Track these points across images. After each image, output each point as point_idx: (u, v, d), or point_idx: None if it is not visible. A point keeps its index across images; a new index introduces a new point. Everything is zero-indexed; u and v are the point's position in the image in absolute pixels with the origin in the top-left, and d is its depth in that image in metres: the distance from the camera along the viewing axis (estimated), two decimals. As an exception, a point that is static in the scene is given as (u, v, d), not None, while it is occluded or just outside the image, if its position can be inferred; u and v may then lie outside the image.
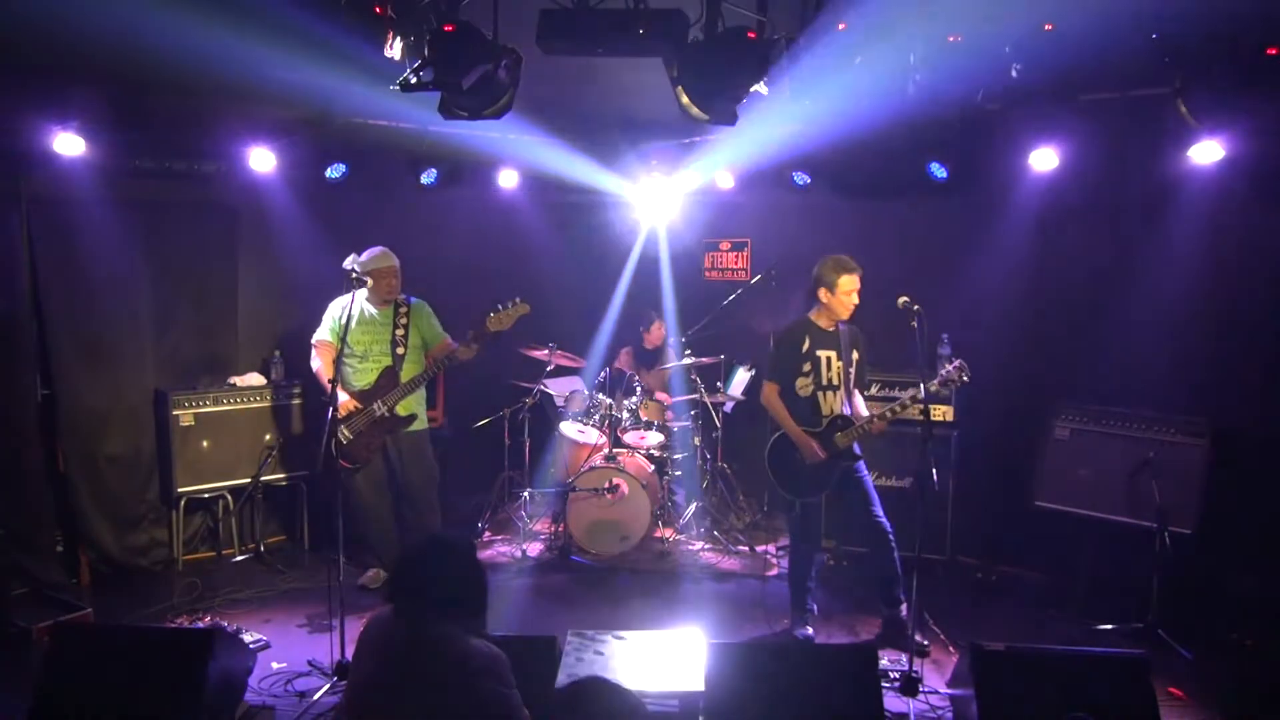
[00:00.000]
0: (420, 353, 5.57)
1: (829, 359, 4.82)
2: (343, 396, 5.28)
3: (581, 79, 5.62)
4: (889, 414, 4.72)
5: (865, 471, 4.92)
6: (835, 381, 4.82)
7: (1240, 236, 5.27)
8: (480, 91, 4.05)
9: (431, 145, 6.35)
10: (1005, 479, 5.85)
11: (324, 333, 5.54)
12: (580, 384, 7.04)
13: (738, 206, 7.51)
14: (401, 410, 5.39)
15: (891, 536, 4.79)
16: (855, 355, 4.88)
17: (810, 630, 4.99)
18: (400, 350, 5.44)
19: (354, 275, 5.00)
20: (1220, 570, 5.09)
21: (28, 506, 5.39)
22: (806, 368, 4.81)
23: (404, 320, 5.48)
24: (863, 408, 4.92)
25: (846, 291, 4.75)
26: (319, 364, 5.50)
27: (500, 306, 5.31)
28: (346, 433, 5.29)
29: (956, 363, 4.64)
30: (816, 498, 4.88)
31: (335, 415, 4.64)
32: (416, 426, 5.52)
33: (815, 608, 5.10)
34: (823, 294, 4.80)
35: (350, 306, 4.86)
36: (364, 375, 5.42)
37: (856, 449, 4.86)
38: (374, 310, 5.47)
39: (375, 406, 5.33)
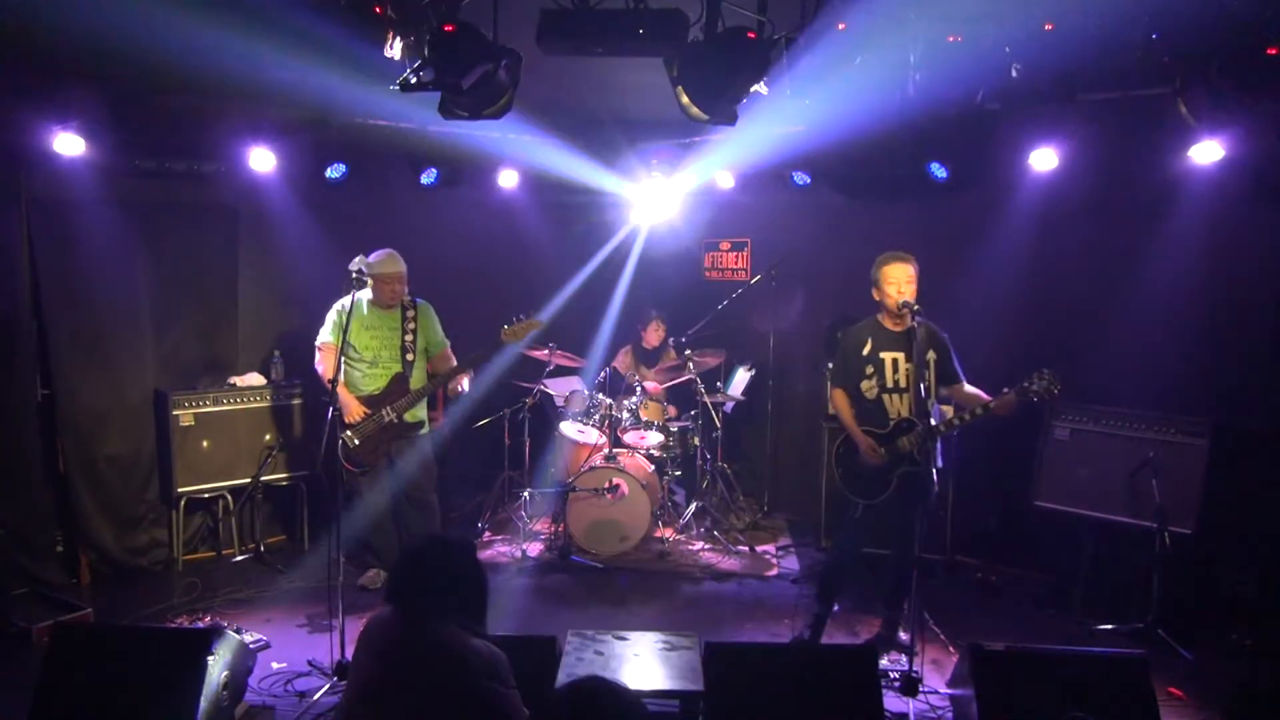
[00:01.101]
0: (425, 357, 5.54)
1: (895, 361, 4.63)
2: (348, 400, 5.25)
3: (581, 79, 5.62)
4: (956, 421, 4.55)
5: (929, 484, 4.43)
6: (903, 384, 4.61)
7: (1240, 236, 5.27)
8: (480, 91, 4.05)
9: (431, 145, 6.35)
10: (1005, 479, 5.85)
11: (327, 334, 5.48)
12: (580, 384, 7.04)
13: (738, 206, 7.52)
14: (409, 418, 5.38)
15: (916, 559, 4.52)
16: (931, 356, 4.55)
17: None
18: (410, 356, 5.40)
19: (354, 275, 4.93)
20: (1220, 570, 5.10)
21: (28, 506, 5.39)
22: (869, 370, 4.67)
23: (412, 325, 5.42)
24: (984, 396, 4.56)
25: (891, 282, 4.54)
26: (323, 366, 5.43)
27: (516, 319, 5.31)
28: (354, 437, 5.26)
29: (1046, 373, 4.26)
30: (877, 500, 4.66)
31: (335, 416, 4.62)
32: (422, 431, 5.52)
33: (837, 609, 5.02)
34: (875, 292, 4.64)
35: (350, 307, 4.81)
36: (373, 381, 5.38)
37: (938, 460, 4.54)
38: (380, 313, 5.41)
39: (384, 412, 5.29)
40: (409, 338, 5.41)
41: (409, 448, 5.48)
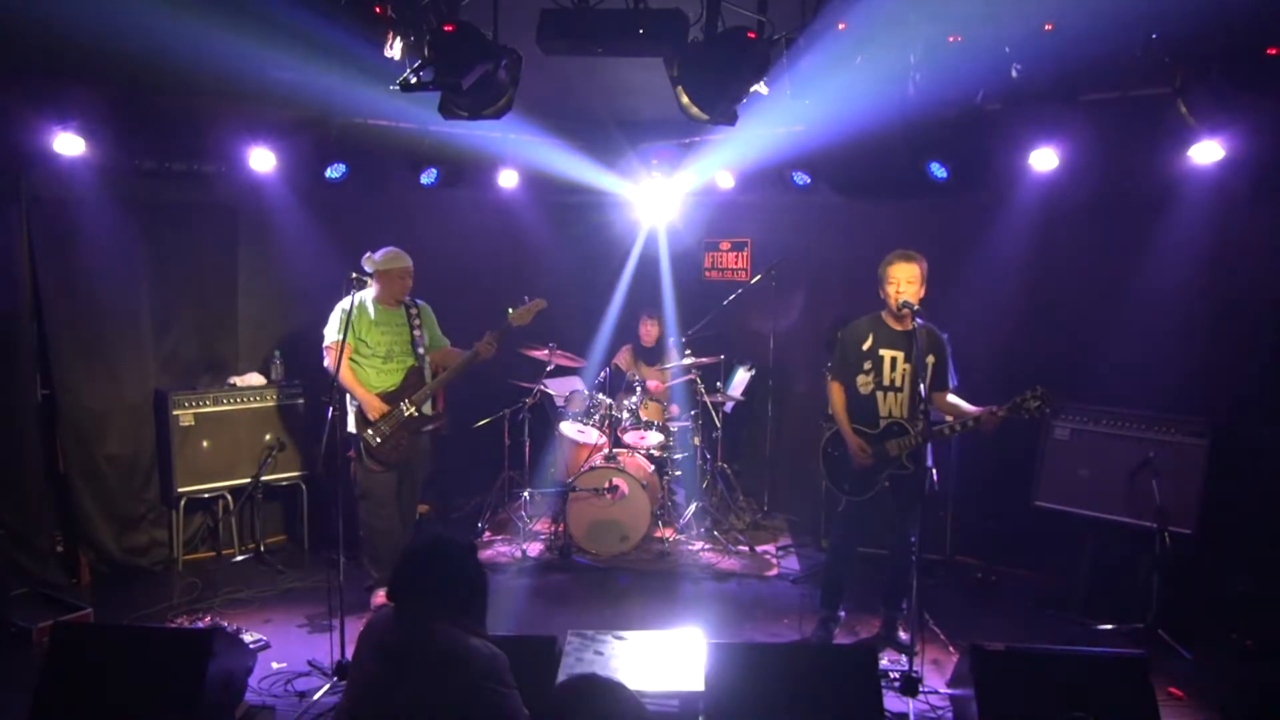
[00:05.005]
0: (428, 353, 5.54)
1: (894, 359, 4.62)
2: (368, 398, 5.20)
3: (581, 79, 5.62)
4: (945, 430, 4.55)
5: (922, 486, 4.51)
6: (898, 383, 4.61)
7: (1240, 236, 5.27)
8: (480, 91, 4.06)
9: (431, 145, 6.36)
10: (1005, 479, 5.85)
11: (335, 333, 5.26)
12: (580, 384, 7.04)
13: (738, 206, 7.51)
14: (427, 410, 5.36)
15: (914, 560, 4.48)
16: (930, 360, 4.44)
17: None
18: (421, 350, 5.38)
19: (355, 276, 4.90)
20: (1220, 570, 5.09)
21: (28, 506, 5.39)
22: (867, 366, 4.66)
23: (417, 321, 5.41)
24: (966, 406, 4.58)
25: (891, 281, 4.51)
26: (333, 365, 5.12)
27: (522, 301, 5.37)
28: (375, 435, 5.20)
29: (1039, 391, 4.29)
30: (861, 497, 4.69)
31: (336, 416, 4.60)
32: (432, 425, 5.50)
33: (843, 614, 5.03)
34: (880, 291, 4.60)
35: (353, 305, 4.75)
36: (389, 376, 5.32)
37: (928, 460, 4.55)
38: (387, 311, 5.35)
39: (402, 407, 5.24)
40: (417, 333, 5.39)
41: (423, 440, 5.46)
